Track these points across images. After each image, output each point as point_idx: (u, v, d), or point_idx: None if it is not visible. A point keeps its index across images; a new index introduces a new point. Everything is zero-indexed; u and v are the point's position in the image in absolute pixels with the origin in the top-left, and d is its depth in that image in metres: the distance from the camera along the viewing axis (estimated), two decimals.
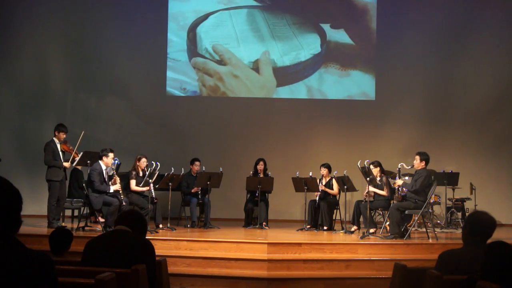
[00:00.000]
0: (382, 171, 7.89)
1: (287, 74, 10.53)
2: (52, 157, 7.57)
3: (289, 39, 10.56)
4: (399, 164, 7.41)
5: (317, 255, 6.43)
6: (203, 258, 6.34)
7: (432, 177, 7.55)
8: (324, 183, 8.56)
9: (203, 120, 10.41)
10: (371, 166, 7.86)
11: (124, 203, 7.28)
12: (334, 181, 8.45)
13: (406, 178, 7.93)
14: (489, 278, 2.41)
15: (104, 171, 7.46)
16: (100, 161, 7.44)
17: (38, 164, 8.09)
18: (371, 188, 7.62)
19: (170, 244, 6.67)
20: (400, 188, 7.34)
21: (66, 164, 7.66)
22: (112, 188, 7.41)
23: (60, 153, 7.66)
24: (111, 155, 7.47)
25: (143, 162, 7.95)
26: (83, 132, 7.82)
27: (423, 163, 7.26)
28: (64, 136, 7.72)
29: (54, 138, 7.68)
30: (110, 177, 7.56)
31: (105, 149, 7.52)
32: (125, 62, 10.31)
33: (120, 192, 7.41)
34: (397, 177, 7.43)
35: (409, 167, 7.41)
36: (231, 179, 9.08)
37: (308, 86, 10.55)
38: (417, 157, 7.31)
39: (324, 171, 8.61)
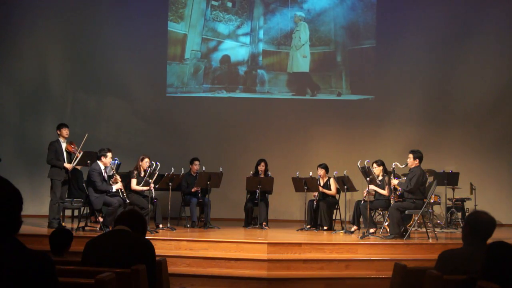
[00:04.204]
0: (385, 170, 7.85)
1: None
2: (54, 157, 7.55)
3: None
4: (393, 164, 7.41)
5: (317, 255, 6.43)
6: (203, 258, 6.34)
7: (427, 175, 7.55)
8: (322, 183, 8.52)
9: (203, 120, 10.40)
10: (374, 165, 7.84)
11: (127, 201, 7.31)
12: (331, 181, 8.42)
13: (404, 178, 7.91)
14: (489, 278, 2.40)
15: (103, 171, 7.46)
16: (98, 161, 7.44)
17: (38, 164, 8.09)
18: (372, 186, 7.61)
19: (170, 244, 6.68)
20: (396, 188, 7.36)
21: (67, 165, 7.65)
22: (114, 187, 7.41)
23: (65, 153, 7.65)
24: (109, 154, 7.47)
25: (146, 162, 7.94)
26: (86, 134, 7.79)
27: (417, 161, 7.26)
28: (67, 131, 7.70)
29: (59, 138, 7.68)
30: (110, 177, 7.56)
31: (103, 149, 7.51)
32: (125, 62, 10.30)
33: (123, 190, 7.44)
34: (392, 177, 7.43)
35: (403, 166, 7.40)
36: (231, 179, 9.08)
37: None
38: (411, 156, 7.31)
39: (321, 171, 8.55)
